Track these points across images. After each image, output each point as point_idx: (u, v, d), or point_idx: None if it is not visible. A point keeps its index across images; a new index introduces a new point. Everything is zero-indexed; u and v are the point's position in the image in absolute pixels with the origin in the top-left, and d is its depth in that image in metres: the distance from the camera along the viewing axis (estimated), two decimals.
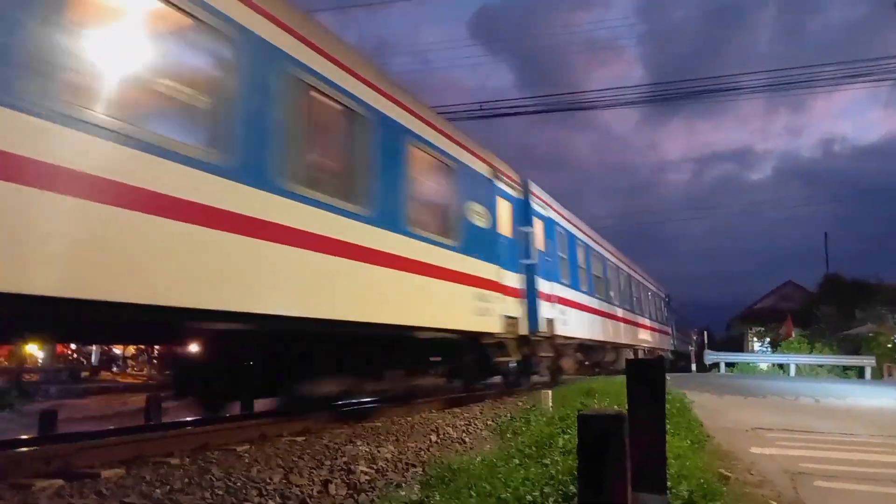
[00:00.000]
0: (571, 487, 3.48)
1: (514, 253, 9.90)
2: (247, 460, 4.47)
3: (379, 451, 4.95)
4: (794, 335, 31.08)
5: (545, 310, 10.81)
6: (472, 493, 3.58)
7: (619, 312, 18.27)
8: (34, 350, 18.02)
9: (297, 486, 3.90)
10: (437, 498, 3.55)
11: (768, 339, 35.71)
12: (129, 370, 21.61)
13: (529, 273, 10.35)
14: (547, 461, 4.41)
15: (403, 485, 4.09)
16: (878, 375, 24.58)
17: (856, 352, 27.19)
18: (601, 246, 16.92)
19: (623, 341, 18.42)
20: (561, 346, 11.85)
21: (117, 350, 22.29)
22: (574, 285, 13.25)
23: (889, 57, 18.53)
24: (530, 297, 10.28)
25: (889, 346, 25.72)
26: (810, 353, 28.11)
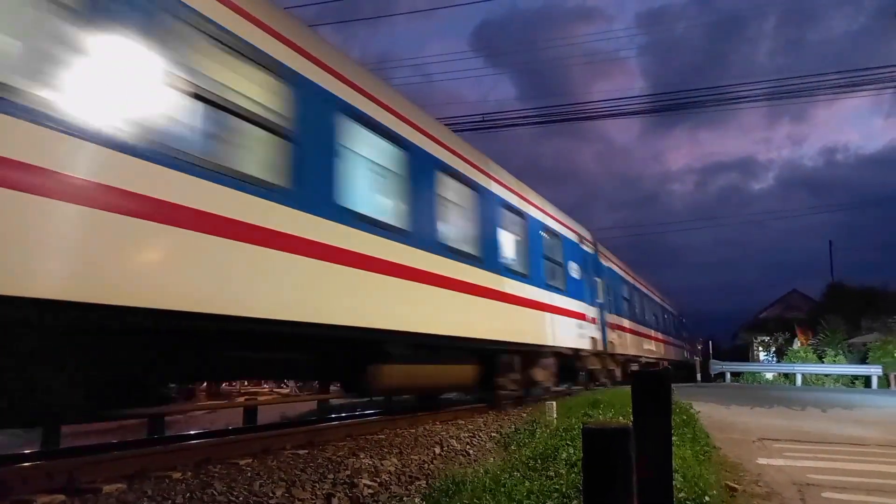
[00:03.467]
0: (576, 501, 3.45)
1: (592, 293, 14.09)
2: (249, 474, 4.45)
3: (382, 464, 4.91)
4: (807, 343, 30.83)
5: (608, 334, 15.20)
6: None
7: (651, 333, 23.36)
8: None
9: (299, 499, 3.88)
10: None
11: (773, 349, 35.48)
12: None
13: (600, 307, 14.58)
14: (551, 474, 4.37)
15: (406, 498, 4.05)
16: (883, 385, 24.38)
17: (862, 361, 26.98)
18: (638, 282, 21.91)
19: (653, 355, 23.37)
20: (616, 359, 16.27)
21: None
22: (624, 314, 17.98)
23: (890, 65, 18.52)
24: (602, 324, 14.62)
25: None
26: (818, 362, 27.90)
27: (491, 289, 8.76)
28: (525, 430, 6.90)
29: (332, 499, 3.95)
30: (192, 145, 4.47)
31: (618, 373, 16.02)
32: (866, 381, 25.29)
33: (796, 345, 31.72)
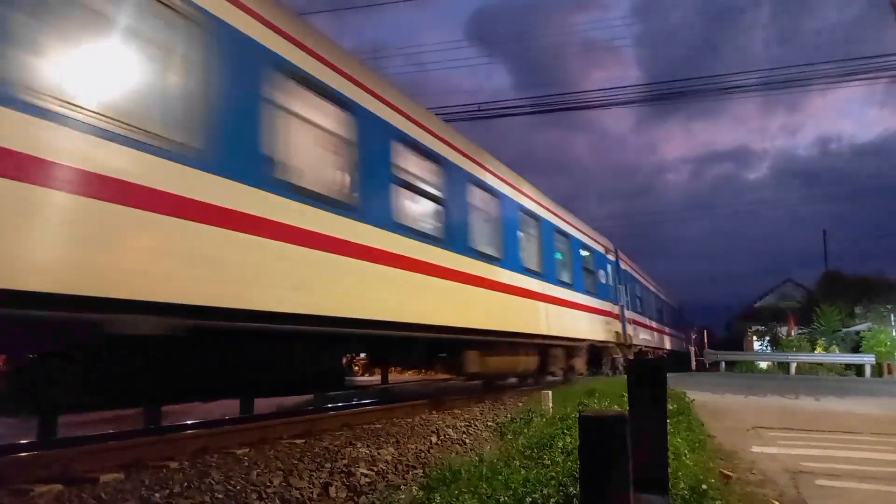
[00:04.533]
0: (572, 489, 3.47)
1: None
2: (246, 463, 4.46)
3: (379, 453, 4.93)
4: (793, 333, 31.04)
5: (627, 328, 17.40)
6: (473, 494, 3.57)
7: (656, 324, 24.94)
8: None
9: (296, 488, 3.89)
10: (438, 500, 3.53)
11: (768, 338, 35.68)
12: None
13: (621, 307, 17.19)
14: (548, 462, 4.40)
15: (403, 487, 4.08)
16: (876, 373, 24.56)
17: (855, 350, 27.18)
18: (648, 281, 23.84)
19: (660, 345, 25.38)
20: (634, 349, 18.47)
21: None
22: (637, 310, 19.87)
23: (884, 55, 18.52)
24: (622, 320, 17.03)
25: (889, 343, 25.69)
26: (811, 351, 28.11)
27: None
28: (521, 419, 6.93)
29: (329, 488, 3.96)
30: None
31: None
32: (858, 369, 25.49)
33: (785, 332, 31.89)
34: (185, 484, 3.83)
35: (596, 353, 15.21)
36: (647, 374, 2.69)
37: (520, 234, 10.47)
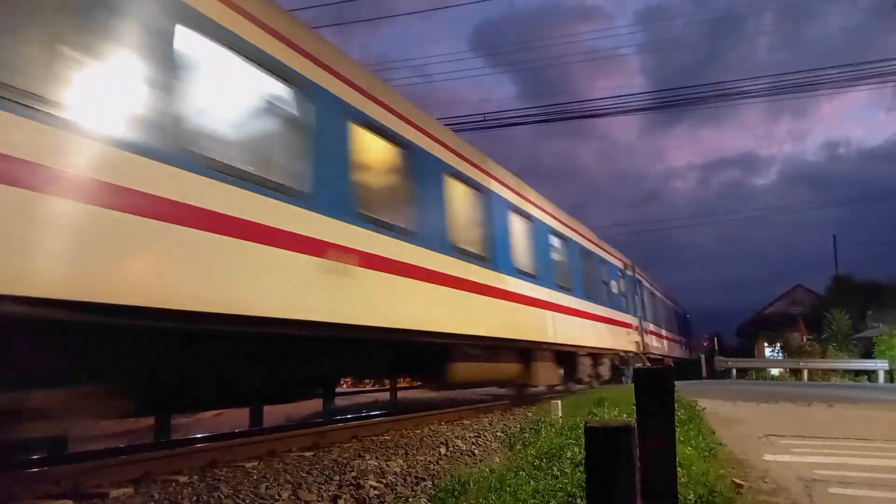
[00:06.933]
0: (581, 500, 3.45)
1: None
2: (255, 477, 4.46)
3: (388, 465, 4.92)
4: (804, 339, 30.74)
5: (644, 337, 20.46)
6: None
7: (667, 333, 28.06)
8: None
9: (305, 501, 3.89)
10: None
11: (779, 345, 35.36)
12: None
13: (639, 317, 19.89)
14: (556, 473, 4.38)
15: (412, 499, 4.06)
16: (889, 379, 24.26)
17: (867, 355, 26.87)
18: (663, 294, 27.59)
19: (670, 354, 27.71)
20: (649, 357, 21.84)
21: None
22: (656, 322, 22.66)
23: (891, 59, 18.49)
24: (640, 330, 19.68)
25: None
26: (822, 357, 27.82)
27: None
28: (530, 429, 6.89)
29: (338, 500, 3.95)
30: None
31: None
32: (870, 375, 25.17)
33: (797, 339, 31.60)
34: (195, 498, 3.84)
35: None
36: (655, 383, 2.68)
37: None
